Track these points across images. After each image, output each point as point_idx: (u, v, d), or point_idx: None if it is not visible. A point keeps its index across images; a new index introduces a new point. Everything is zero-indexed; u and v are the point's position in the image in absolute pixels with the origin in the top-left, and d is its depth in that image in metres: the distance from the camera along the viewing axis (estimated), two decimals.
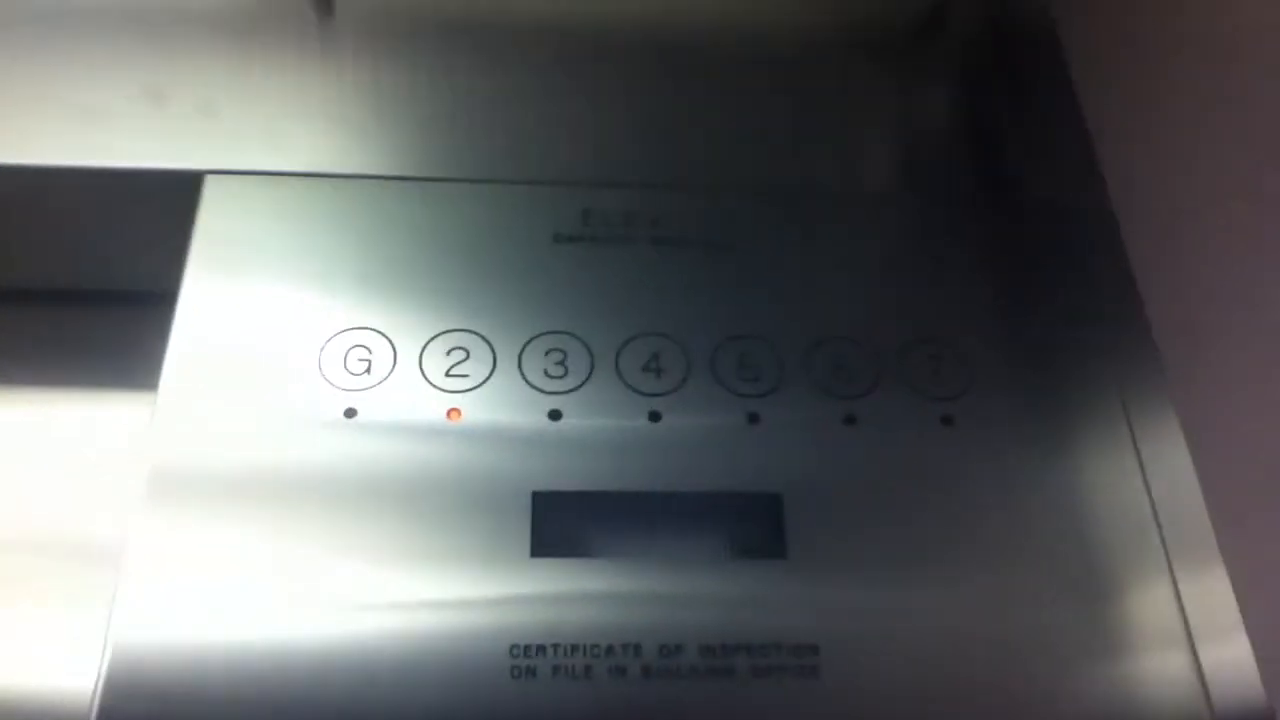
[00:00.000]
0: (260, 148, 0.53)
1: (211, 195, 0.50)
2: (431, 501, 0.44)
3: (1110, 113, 0.51)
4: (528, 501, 0.43)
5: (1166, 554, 0.44)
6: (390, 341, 0.47)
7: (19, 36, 0.55)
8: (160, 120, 0.53)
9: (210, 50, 0.56)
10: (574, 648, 0.41)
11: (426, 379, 0.46)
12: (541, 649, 0.41)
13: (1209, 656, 0.42)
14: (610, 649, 0.41)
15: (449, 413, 0.45)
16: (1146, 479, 0.46)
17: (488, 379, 0.46)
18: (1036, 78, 0.58)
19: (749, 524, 0.44)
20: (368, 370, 0.46)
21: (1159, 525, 0.45)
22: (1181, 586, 0.44)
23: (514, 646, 0.41)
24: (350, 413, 0.45)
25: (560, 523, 0.43)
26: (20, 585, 0.48)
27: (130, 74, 0.55)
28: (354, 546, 0.43)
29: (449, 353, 0.47)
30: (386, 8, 0.59)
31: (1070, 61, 0.54)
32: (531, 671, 0.40)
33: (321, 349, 0.47)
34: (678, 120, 0.56)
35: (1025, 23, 0.60)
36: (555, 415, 0.46)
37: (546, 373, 0.47)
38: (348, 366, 0.46)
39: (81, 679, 0.41)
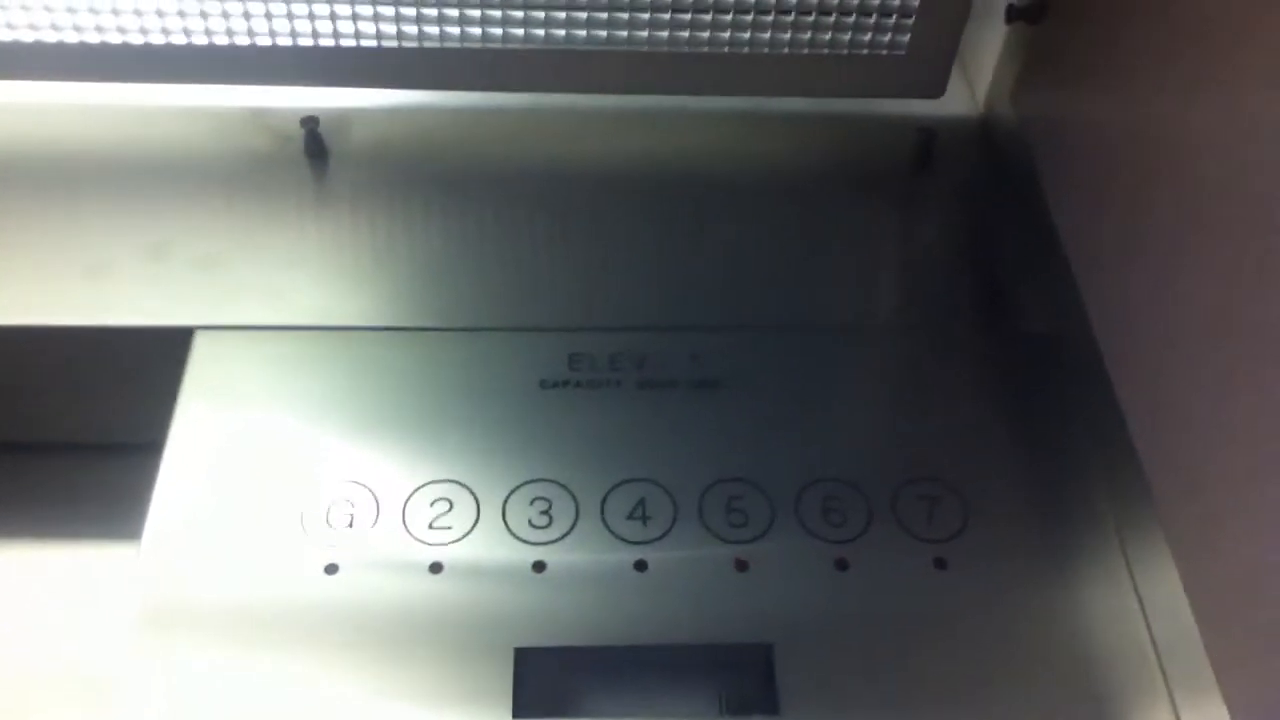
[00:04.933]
0: (251, 301, 0.53)
1: (201, 350, 0.51)
2: (412, 658, 0.43)
3: (1091, 246, 0.51)
4: (510, 659, 0.42)
5: (1168, 688, 0.43)
6: (373, 494, 0.47)
7: (27, 197, 0.57)
8: (158, 276, 0.54)
9: (209, 204, 0.58)
10: None
11: (409, 532, 0.46)
12: None
13: None
14: None
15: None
16: (1146, 614, 0.45)
17: (471, 530, 0.46)
18: (1020, 213, 0.58)
19: (740, 677, 0.43)
20: (350, 524, 0.46)
21: (1159, 660, 0.43)
22: (1182, 717, 0.42)
23: None
24: (331, 568, 0.45)
25: (543, 681, 0.42)
26: None
27: (132, 231, 0.56)
28: (332, 701, 0.41)
29: (432, 504, 0.46)
30: (377, 160, 0.60)
31: (1050, 197, 0.55)
32: None
33: (304, 502, 0.46)
34: (663, 261, 0.56)
35: (1007, 160, 0.61)
36: (539, 566, 0.45)
37: (531, 522, 0.46)
38: (330, 520, 0.46)
39: None
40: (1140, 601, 0.45)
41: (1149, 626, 0.44)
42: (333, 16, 0.55)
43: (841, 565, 0.45)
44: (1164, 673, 0.43)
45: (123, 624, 0.43)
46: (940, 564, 0.45)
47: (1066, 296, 0.52)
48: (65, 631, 0.50)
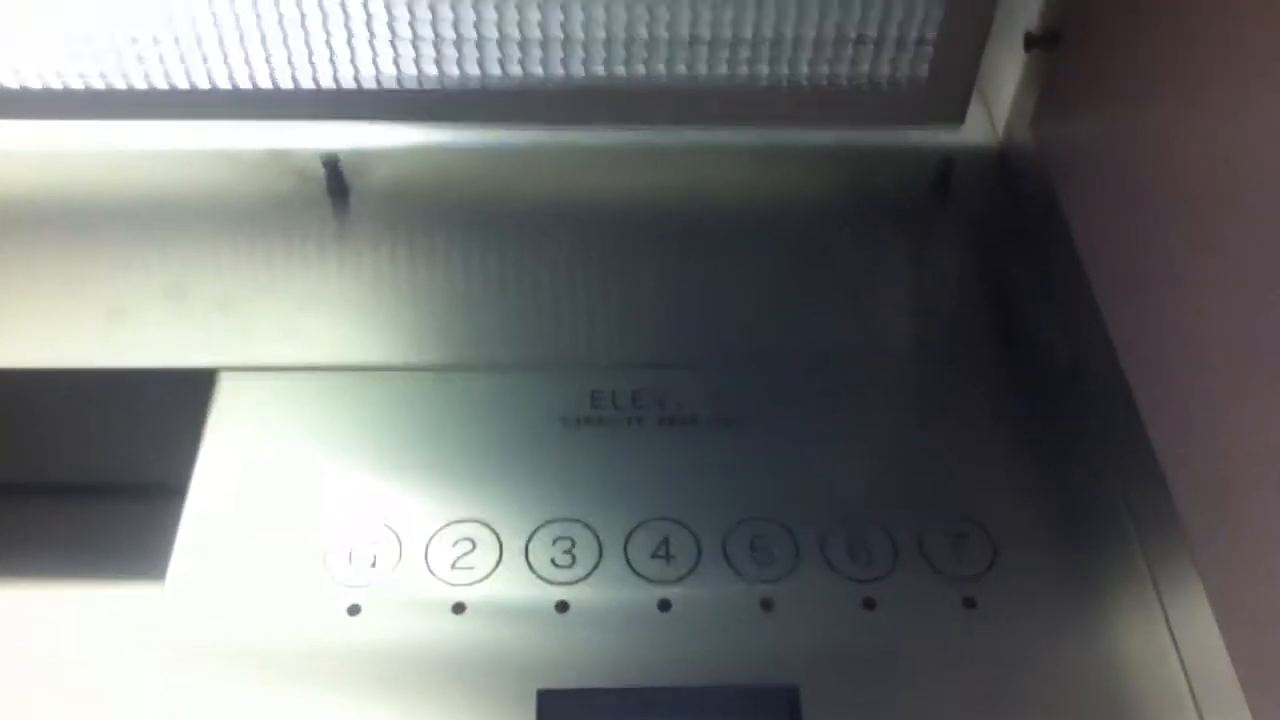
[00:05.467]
0: (274, 341, 0.54)
1: (224, 391, 0.51)
2: (435, 699, 0.42)
3: (1114, 272, 0.50)
4: (533, 700, 0.42)
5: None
6: (396, 534, 0.47)
7: (50, 240, 0.58)
8: (180, 317, 0.54)
9: (231, 245, 0.58)
10: None
11: (432, 572, 0.45)
12: None
13: None
14: None
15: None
16: (1180, 651, 0.44)
17: (494, 570, 0.46)
18: (1041, 240, 0.58)
19: (765, 719, 0.42)
20: (373, 564, 0.46)
21: (1194, 698, 0.42)
22: None
23: None
24: (354, 609, 0.45)
25: None
26: None
27: (153, 273, 0.56)
28: None
29: (455, 544, 0.46)
30: (398, 198, 0.61)
31: (1072, 224, 0.54)
32: None
33: (327, 543, 0.46)
34: (685, 296, 0.56)
35: (1027, 187, 0.61)
36: (562, 607, 0.45)
37: (554, 562, 0.46)
38: (353, 561, 0.46)
39: None
40: (1174, 638, 0.44)
41: (1183, 664, 0.44)
42: (353, 58, 0.56)
43: (869, 604, 0.45)
44: (1198, 709, 0.43)
45: (146, 664, 0.43)
46: (969, 603, 0.45)
47: (1091, 324, 0.51)
48: (89, 672, 0.50)
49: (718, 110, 0.59)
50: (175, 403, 0.52)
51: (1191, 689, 0.43)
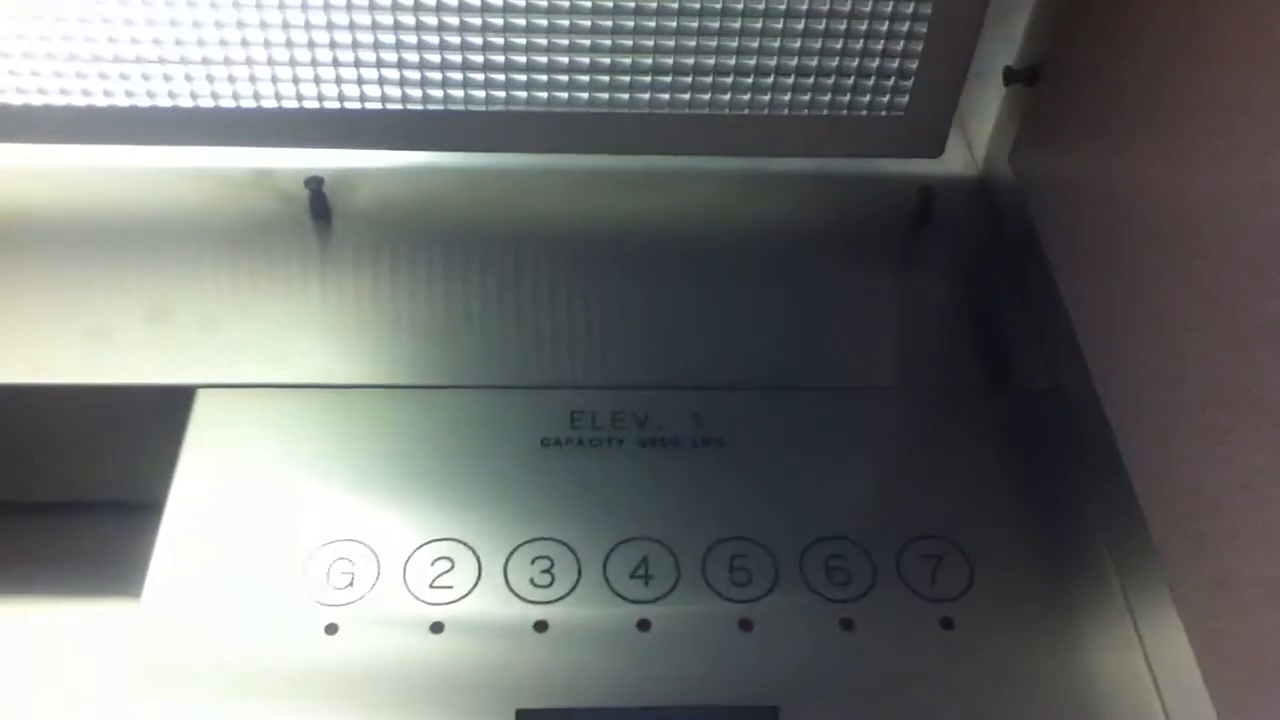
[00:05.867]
0: (255, 360, 0.53)
1: (202, 408, 0.51)
2: (413, 718, 0.42)
3: (1092, 304, 0.51)
4: None
5: None
6: (374, 553, 0.46)
7: (30, 258, 0.57)
8: (161, 337, 0.54)
9: (212, 266, 0.58)
10: None
11: (410, 592, 0.45)
12: None
13: None
14: None
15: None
16: (1154, 674, 0.44)
17: (472, 589, 0.45)
18: (1022, 273, 0.59)
19: None
20: (350, 583, 0.45)
21: (1166, 714, 0.43)
22: None
23: None
24: (331, 628, 0.44)
25: None
26: None
27: (135, 293, 0.56)
28: None
29: (434, 563, 0.46)
30: (381, 221, 0.61)
31: (1050, 256, 0.55)
32: None
33: (305, 561, 0.46)
34: (664, 320, 0.56)
35: (1007, 219, 0.62)
36: (541, 626, 0.44)
37: (533, 581, 0.46)
38: (331, 580, 0.46)
39: None
40: (1148, 662, 0.45)
41: (1157, 687, 0.44)
42: (338, 80, 0.56)
43: (847, 625, 0.45)
44: None
45: (122, 682, 0.43)
46: (947, 624, 0.45)
47: (1068, 355, 0.52)
48: (65, 689, 0.50)
49: (700, 138, 0.60)
50: (153, 420, 0.51)
51: (1165, 712, 0.43)
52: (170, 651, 0.43)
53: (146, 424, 0.52)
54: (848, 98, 0.58)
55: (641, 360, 0.54)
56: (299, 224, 0.60)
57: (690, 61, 0.56)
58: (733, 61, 0.56)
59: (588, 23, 0.54)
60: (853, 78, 0.57)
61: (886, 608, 0.45)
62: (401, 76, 0.56)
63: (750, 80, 0.57)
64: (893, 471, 0.51)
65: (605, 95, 0.57)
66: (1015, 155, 0.61)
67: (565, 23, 0.54)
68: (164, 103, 0.57)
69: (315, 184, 0.60)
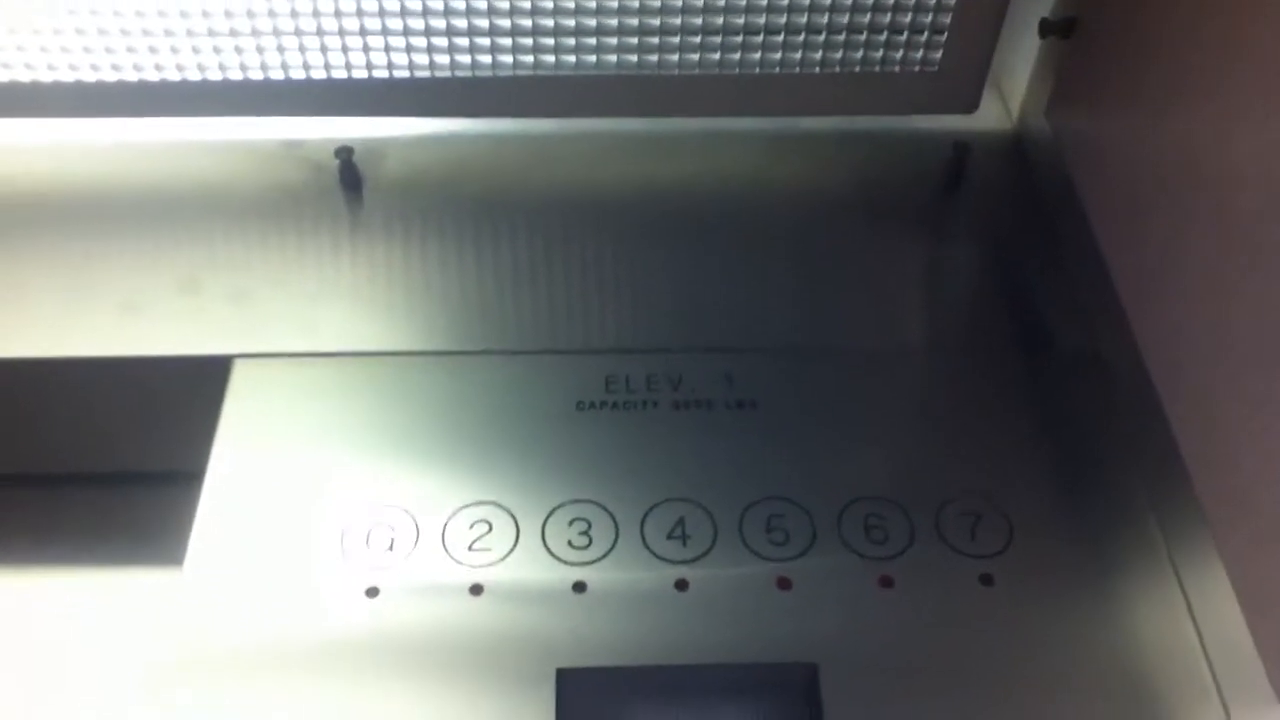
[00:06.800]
0: (289, 330, 0.54)
1: (239, 378, 0.51)
2: (454, 679, 0.42)
3: (1133, 260, 0.50)
4: (551, 679, 0.42)
5: (1224, 707, 0.42)
6: (413, 517, 0.47)
7: (64, 233, 0.58)
8: (196, 309, 0.55)
9: (243, 238, 0.58)
10: None
11: (449, 554, 0.46)
12: None
13: None
14: None
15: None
16: (1199, 631, 0.43)
17: (511, 552, 0.46)
18: (1059, 231, 0.58)
19: (784, 697, 0.42)
20: (390, 547, 0.46)
21: (1212, 671, 0.42)
22: None
23: None
24: (372, 591, 0.45)
25: (586, 702, 0.41)
26: None
27: (167, 266, 0.56)
28: None
29: (472, 526, 0.46)
30: (412, 188, 0.61)
31: (1090, 213, 0.54)
32: None
33: (344, 526, 0.46)
34: (697, 283, 0.56)
35: (1043, 175, 0.61)
36: (579, 587, 0.45)
37: (570, 543, 0.46)
38: (370, 544, 0.46)
39: None
40: (1193, 618, 0.44)
41: (1203, 644, 0.43)
42: (366, 49, 0.56)
43: (886, 582, 0.45)
44: (1219, 690, 0.42)
45: (166, 649, 0.43)
46: (986, 580, 0.45)
47: (1110, 312, 0.51)
48: (110, 657, 0.51)
49: (730, 100, 0.59)
50: (191, 391, 0.52)
51: (1211, 668, 0.43)
52: (213, 617, 0.44)
53: (184, 395, 0.53)
54: (880, 54, 0.57)
55: (674, 324, 0.54)
56: (330, 194, 0.61)
57: (719, 21, 0.55)
58: (762, 20, 0.55)
59: None
60: (885, 34, 0.56)
61: (925, 565, 0.45)
62: (429, 44, 0.56)
63: (780, 39, 0.56)
64: (929, 432, 0.50)
65: (634, 58, 0.57)
66: (1051, 110, 0.60)
67: None
68: (193, 75, 0.57)
69: (345, 154, 0.60)
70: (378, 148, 0.62)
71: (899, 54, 0.57)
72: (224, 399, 0.51)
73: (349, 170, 0.61)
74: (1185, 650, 0.43)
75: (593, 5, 0.55)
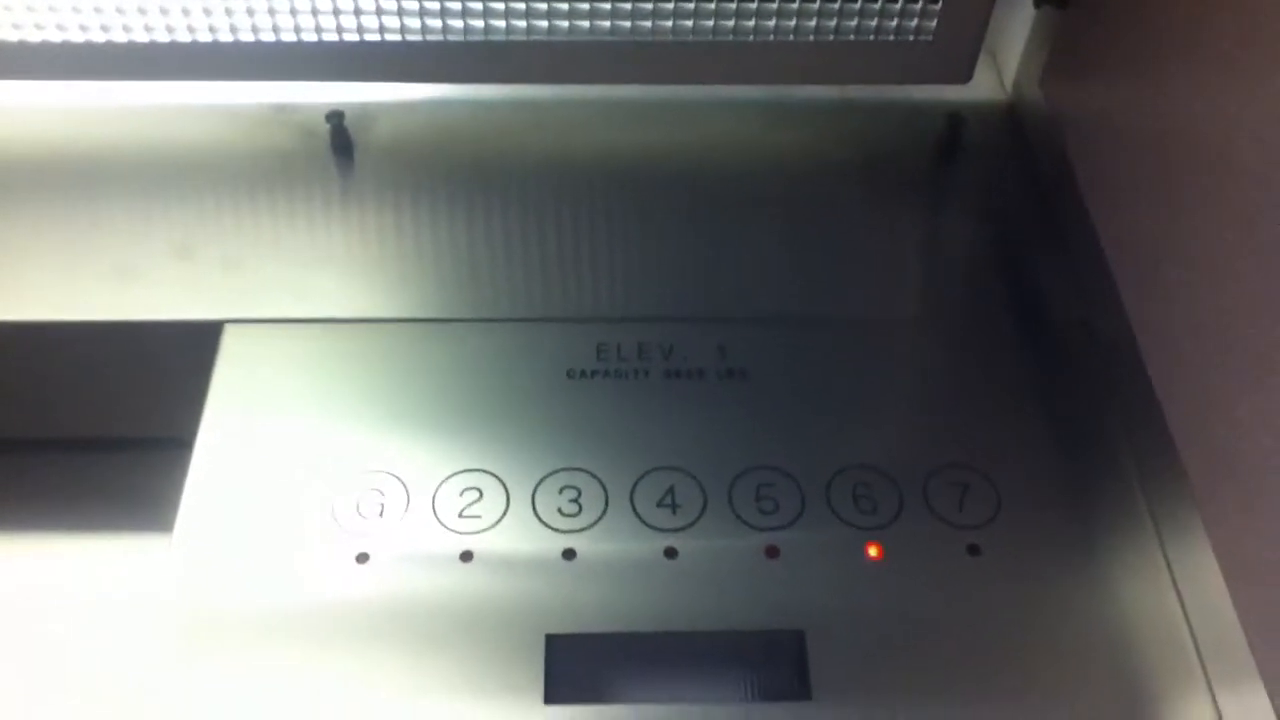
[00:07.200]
0: (280, 296, 0.53)
1: (230, 343, 0.51)
2: (443, 645, 0.43)
3: (1125, 232, 0.50)
4: (541, 645, 0.42)
5: (1206, 675, 0.42)
6: (403, 483, 0.47)
7: (54, 198, 0.57)
8: (187, 274, 0.54)
9: (234, 203, 0.58)
10: None
11: (440, 521, 0.46)
12: None
13: None
14: None
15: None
16: (1183, 600, 0.44)
17: (501, 519, 0.46)
18: (1052, 202, 0.58)
19: (771, 664, 0.42)
20: (381, 513, 0.46)
21: (1197, 646, 0.43)
22: (1223, 708, 0.41)
23: None
24: (363, 557, 0.45)
25: (574, 667, 0.42)
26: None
27: (161, 232, 0.56)
28: (366, 689, 0.41)
29: (462, 493, 0.46)
30: (403, 154, 0.60)
31: (1082, 183, 0.54)
32: None
33: (335, 492, 0.46)
34: (689, 252, 0.56)
35: (1037, 146, 0.61)
36: (569, 554, 0.45)
37: (560, 511, 0.46)
38: (361, 510, 0.46)
39: None
40: (1176, 587, 0.45)
41: (1185, 612, 0.44)
42: (357, 12, 0.55)
43: (874, 552, 0.45)
44: (1201, 658, 0.43)
45: (154, 615, 0.44)
46: (974, 550, 0.45)
47: (1101, 283, 0.51)
48: (97, 623, 0.51)
49: (723, 67, 0.59)
50: (181, 356, 0.52)
51: (1194, 636, 0.43)
52: (203, 584, 0.44)
53: (175, 360, 0.52)
54: (874, 23, 0.57)
55: (666, 293, 0.54)
56: (320, 159, 0.60)
57: None
58: None
59: None
60: (879, 2, 0.56)
61: (913, 535, 0.45)
62: (421, 7, 0.55)
63: (774, 6, 0.56)
64: (918, 403, 0.51)
65: (627, 24, 0.56)
66: (1046, 81, 0.60)
67: None
68: (183, 38, 0.56)
69: (336, 118, 0.60)
70: (369, 112, 0.62)
71: (893, 23, 0.57)
72: (215, 364, 0.51)
73: (340, 135, 0.60)
74: (1168, 620, 0.44)
75: None
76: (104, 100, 0.62)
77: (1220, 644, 0.42)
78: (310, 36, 0.56)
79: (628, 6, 0.56)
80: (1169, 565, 0.45)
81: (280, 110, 0.62)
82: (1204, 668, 0.43)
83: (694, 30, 0.57)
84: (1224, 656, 0.42)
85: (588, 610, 0.43)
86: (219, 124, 0.61)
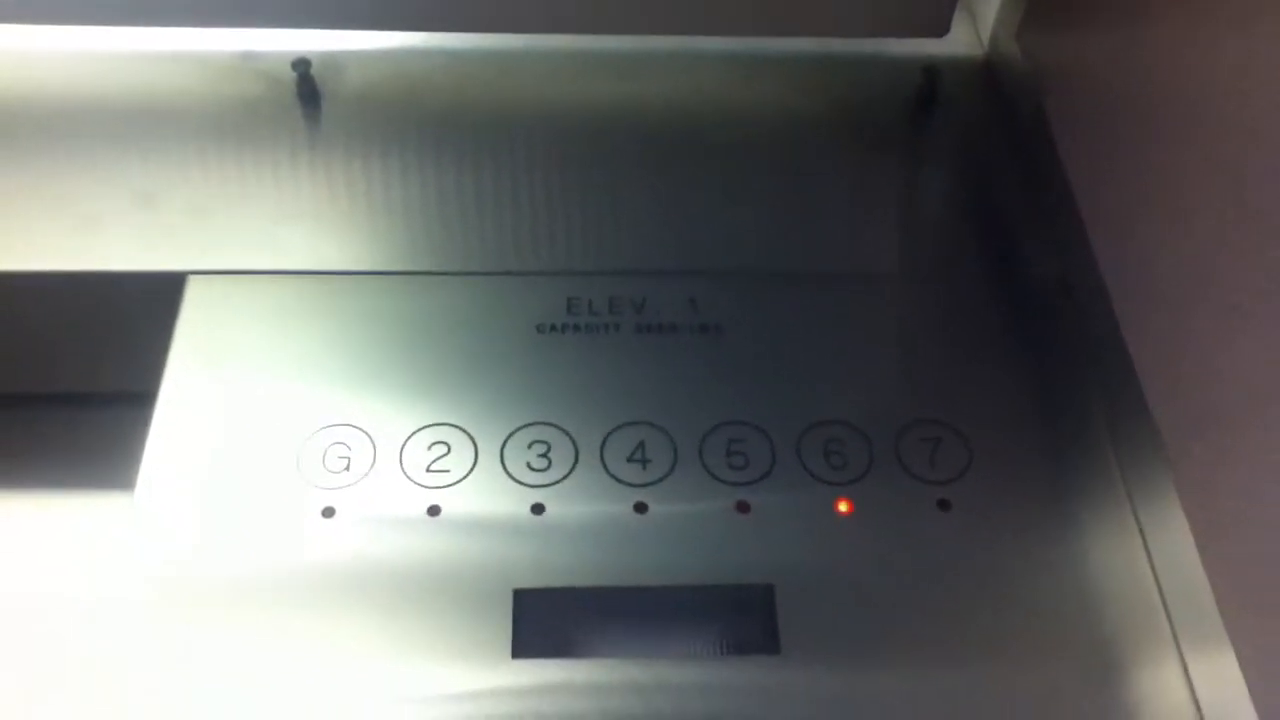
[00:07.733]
0: (245, 248, 0.52)
1: (193, 295, 0.50)
2: (411, 600, 0.42)
3: (1100, 189, 0.50)
4: (509, 599, 0.42)
5: (1174, 634, 0.42)
6: (370, 438, 0.46)
7: (13, 145, 0.56)
8: (150, 224, 0.53)
9: (200, 153, 0.57)
10: None
11: (407, 475, 0.45)
12: None
13: None
14: None
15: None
16: (1152, 559, 0.44)
17: (469, 473, 0.45)
18: (1029, 157, 0.57)
19: (741, 618, 0.42)
20: (347, 468, 0.45)
21: (1165, 605, 0.43)
22: (1190, 667, 0.41)
23: None
24: (329, 511, 0.44)
25: (543, 622, 0.41)
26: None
27: (123, 181, 0.55)
28: (332, 646, 0.41)
29: (430, 447, 0.46)
30: (371, 104, 0.59)
31: (1058, 139, 0.54)
32: None
33: (300, 447, 0.46)
34: (661, 205, 0.55)
35: (1013, 101, 0.60)
36: (538, 509, 0.44)
37: (529, 465, 0.45)
38: (326, 464, 0.45)
39: None
40: (1146, 545, 0.45)
41: (1154, 570, 0.44)
42: None
43: (844, 506, 0.45)
44: (1169, 616, 0.43)
45: (116, 573, 0.43)
46: (944, 505, 0.45)
47: (1074, 240, 0.51)
48: (58, 583, 0.50)
49: (697, 17, 0.58)
50: (144, 308, 0.51)
51: (1163, 594, 0.44)
52: (166, 542, 0.43)
53: (137, 312, 0.51)
54: None
55: (638, 246, 0.53)
56: (286, 108, 0.59)
57: None
58: None
59: None
60: None
61: (883, 489, 0.45)
62: None
63: None
64: (891, 358, 0.50)
65: None
66: (1022, 34, 0.59)
67: None
68: None
69: (302, 66, 0.59)
70: (336, 61, 0.61)
71: None
72: (178, 317, 0.50)
73: (306, 84, 0.59)
74: (1138, 577, 0.44)
75: None
76: (64, 46, 0.60)
77: (1189, 602, 0.42)
78: None
79: None
80: (1139, 523, 0.45)
81: (246, 58, 0.61)
82: (1172, 625, 0.43)
83: None
84: (1192, 614, 0.42)
85: (556, 565, 0.43)
86: (183, 71, 0.60)
